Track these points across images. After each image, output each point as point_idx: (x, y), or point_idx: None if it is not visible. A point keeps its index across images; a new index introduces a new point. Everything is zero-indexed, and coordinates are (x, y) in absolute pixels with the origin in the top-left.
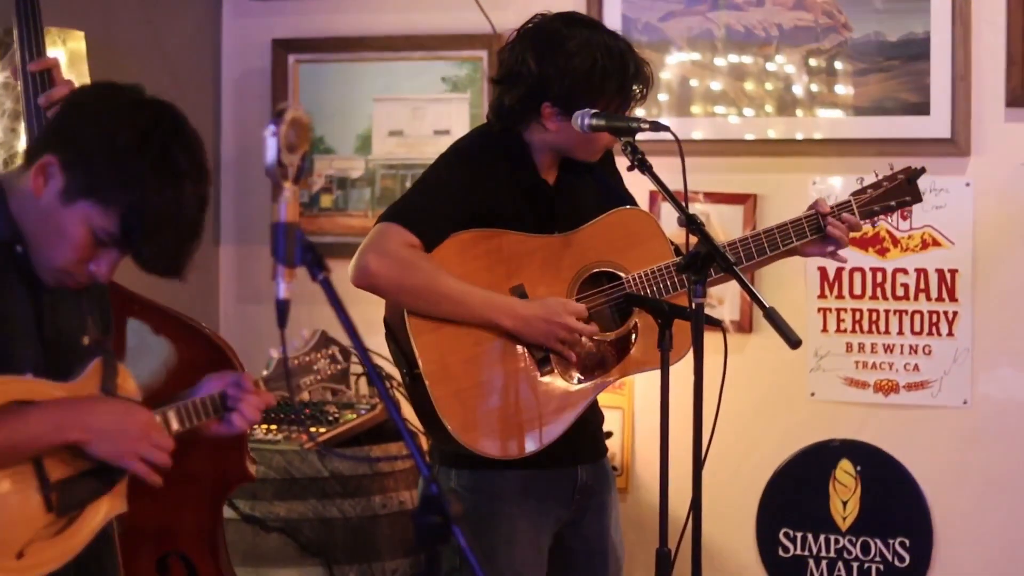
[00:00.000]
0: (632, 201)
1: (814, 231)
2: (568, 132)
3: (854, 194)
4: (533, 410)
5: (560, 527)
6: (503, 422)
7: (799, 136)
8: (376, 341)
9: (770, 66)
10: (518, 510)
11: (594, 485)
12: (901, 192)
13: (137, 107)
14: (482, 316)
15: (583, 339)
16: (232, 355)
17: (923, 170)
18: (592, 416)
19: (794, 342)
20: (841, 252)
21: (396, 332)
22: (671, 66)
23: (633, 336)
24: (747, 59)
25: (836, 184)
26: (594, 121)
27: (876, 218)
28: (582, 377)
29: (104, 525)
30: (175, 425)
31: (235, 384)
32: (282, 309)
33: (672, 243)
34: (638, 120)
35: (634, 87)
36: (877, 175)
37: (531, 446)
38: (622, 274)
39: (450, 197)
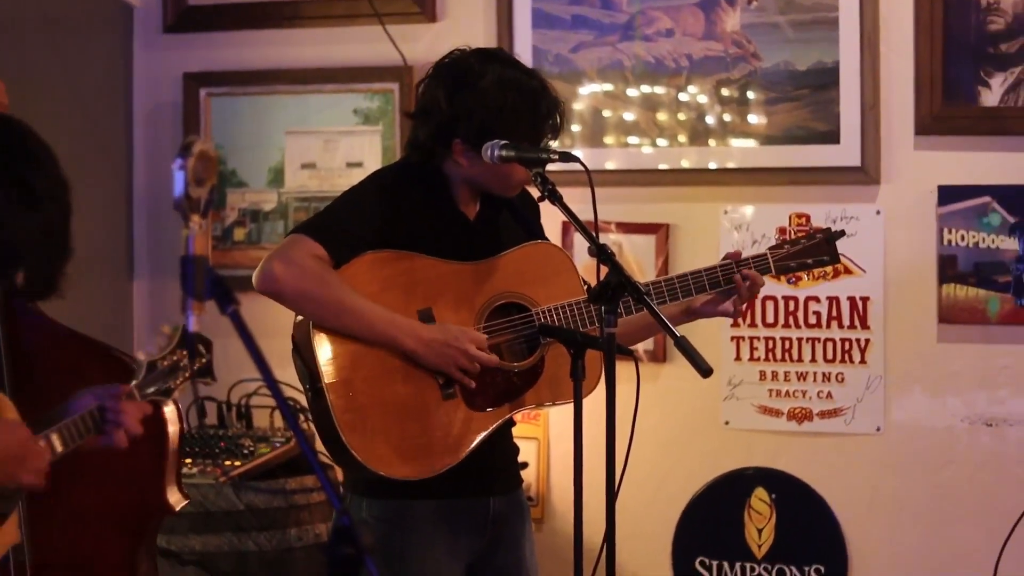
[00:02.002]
0: (545, 239)
1: (728, 281)
2: (480, 167)
3: (771, 248)
4: (432, 433)
5: (473, 559)
6: (400, 442)
7: (712, 165)
8: (289, 373)
9: (682, 96)
10: (430, 540)
11: (508, 516)
12: (819, 251)
13: None
14: (384, 334)
15: (488, 368)
16: None
17: (842, 232)
18: (505, 447)
19: (705, 371)
20: (742, 308)
21: (301, 347)
22: (583, 97)
23: (541, 369)
24: (659, 89)
25: (748, 212)
26: (503, 152)
27: (791, 275)
28: (485, 405)
29: None
30: (59, 447)
31: (109, 396)
32: (191, 342)
33: (584, 281)
34: (548, 151)
35: (546, 126)
36: (795, 233)
37: (427, 470)
38: (531, 307)
39: (363, 217)
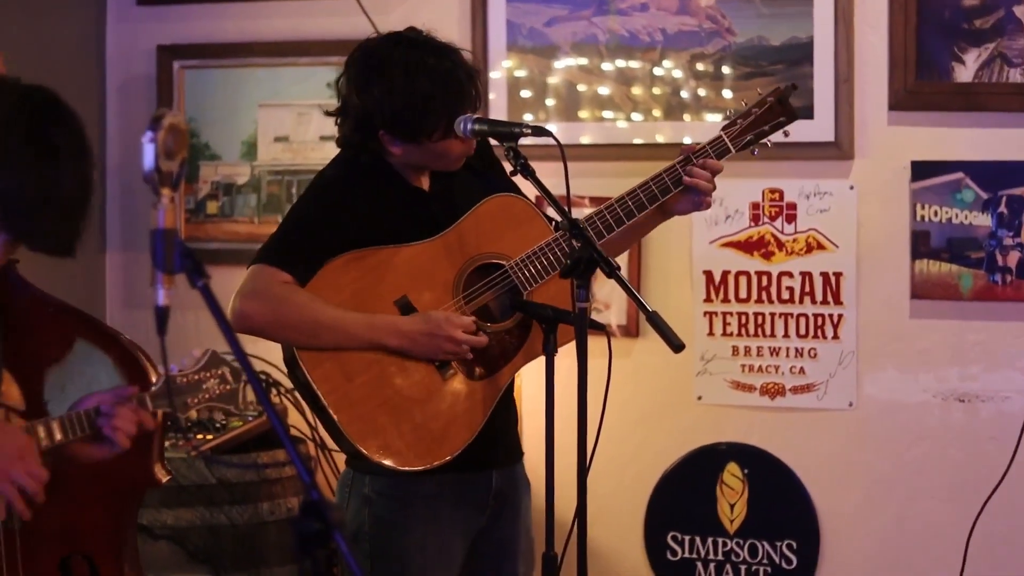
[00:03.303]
0: (514, 188)
1: (676, 183)
2: (411, 153)
3: (724, 128)
4: (445, 415)
5: (475, 533)
6: (417, 434)
7: (687, 140)
8: (262, 347)
9: (657, 71)
10: (433, 515)
11: (508, 491)
12: (773, 115)
13: (6, 90)
14: (366, 340)
15: (477, 343)
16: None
17: (793, 87)
18: (507, 417)
19: (677, 346)
20: (710, 199)
21: (294, 369)
22: (558, 71)
23: (529, 320)
24: (634, 64)
25: (721, 187)
26: (476, 127)
27: (754, 148)
28: (486, 371)
29: None
30: (58, 436)
31: (114, 398)
32: (161, 316)
33: (549, 219)
34: (520, 125)
35: (464, 104)
36: (745, 104)
37: (452, 449)
38: (504, 262)
39: (316, 228)
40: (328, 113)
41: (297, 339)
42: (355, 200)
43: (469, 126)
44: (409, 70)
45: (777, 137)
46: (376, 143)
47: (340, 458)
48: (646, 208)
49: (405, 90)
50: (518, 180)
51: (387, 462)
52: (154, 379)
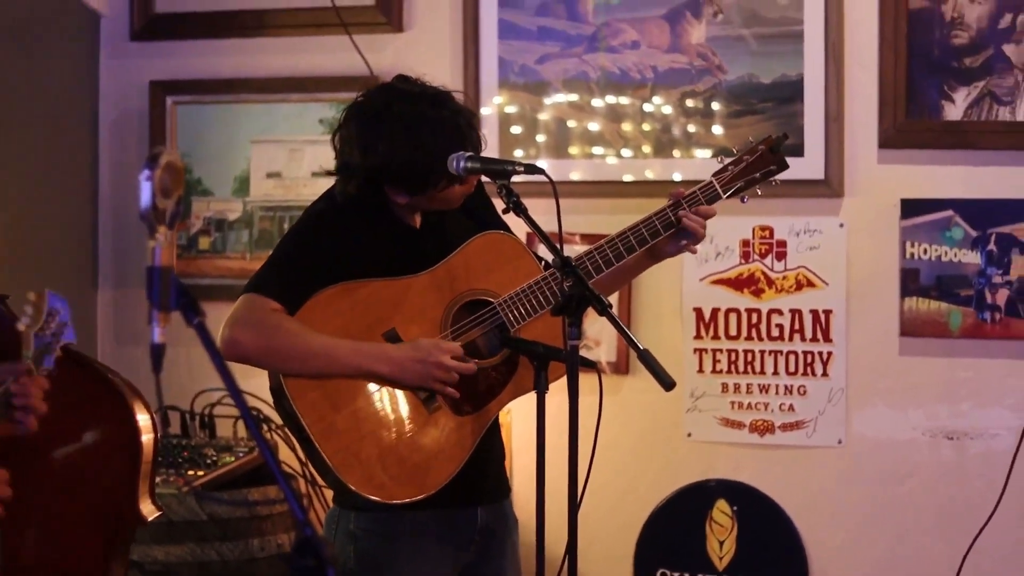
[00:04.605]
0: (503, 226)
1: (667, 227)
2: (417, 201)
3: (715, 174)
4: (430, 448)
5: (461, 570)
6: (401, 467)
7: (676, 176)
8: (254, 383)
9: (647, 107)
10: (418, 552)
11: (495, 527)
12: (764, 163)
13: None
14: (356, 367)
15: (466, 370)
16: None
17: (785, 136)
18: (493, 453)
19: (668, 384)
20: (697, 246)
21: (280, 399)
22: (549, 107)
23: (517, 357)
24: (624, 100)
25: (711, 224)
26: (469, 164)
27: (744, 195)
28: (471, 407)
29: None
30: None
31: (12, 376)
32: (157, 354)
33: (539, 257)
34: (513, 163)
35: (465, 149)
36: (736, 151)
37: (436, 482)
38: (492, 299)
39: (307, 259)
40: (330, 173)
41: (287, 366)
42: (345, 233)
43: (462, 164)
44: (410, 125)
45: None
46: (382, 196)
47: (331, 494)
48: (636, 251)
49: (409, 146)
50: (510, 217)
51: (370, 494)
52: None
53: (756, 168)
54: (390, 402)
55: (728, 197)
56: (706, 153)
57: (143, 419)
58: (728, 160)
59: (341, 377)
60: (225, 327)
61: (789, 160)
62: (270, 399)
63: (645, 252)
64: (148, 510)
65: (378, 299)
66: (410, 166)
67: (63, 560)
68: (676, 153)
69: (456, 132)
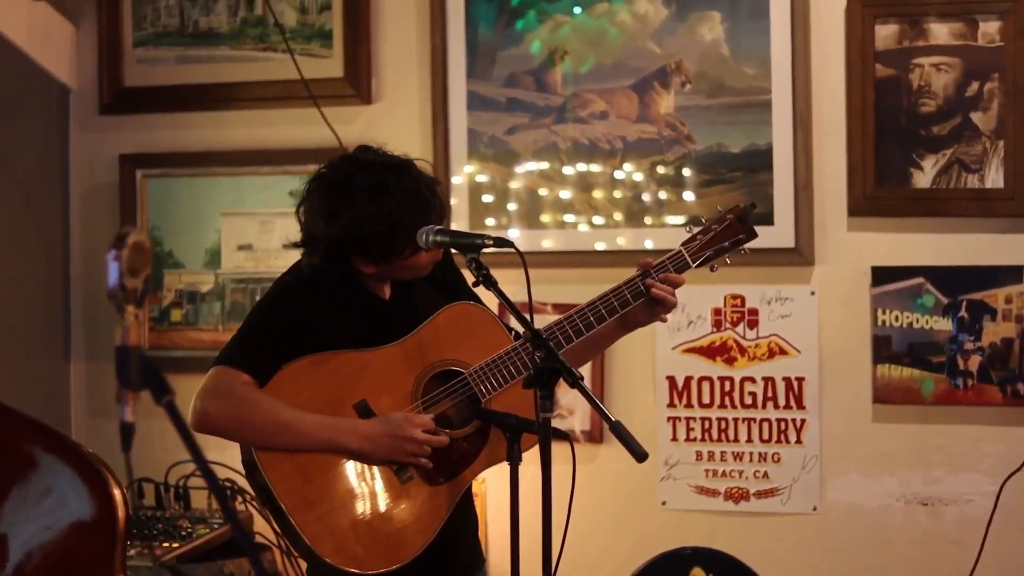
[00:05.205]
0: (472, 296)
1: (636, 297)
2: (384, 270)
3: (684, 243)
4: (403, 519)
5: None
6: (374, 537)
7: (648, 244)
8: (229, 454)
9: (618, 175)
10: None
11: None
12: (733, 232)
13: None
14: (326, 441)
15: (438, 443)
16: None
17: (753, 205)
18: (466, 523)
19: (640, 456)
20: (668, 315)
21: (252, 471)
22: (519, 176)
23: (488, 427)
24: (595, 168)
25: (682, 293)
26: (439, 238)
27: (714, 264)
28: (443, 477)
29: None
30: None
31: None
32: (127, 433)
33: (509, 328)
34: (482, 236)
35: (429, 218)
36: (704, 220)
37: (407, 554)
38: (463, 369)
39: (276, 331)
40: (294, 245)
41: (258, 439)
42: (314, 305)
43: (431, 238)
44: (373, 195)
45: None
46: (349, 267)
47: (307, 567)
48: (605, 320)
49: (372, 215)
50: (480, 290)
51: (343, 565)
52: (117, 494)
53: (725, 237)
54: (362, 473)
55: (697, 266)
56: (678, 220)
57: (119, 494)
58: (697, 229)
59: (313, 451)
60: (196, 399)
61: (759, 229)
62: (242, 470)
63: (617, 322)
64: None
65: (348, 371)
66: (374, 235)
67: None
68: (647, 220)
69: (419, 200)
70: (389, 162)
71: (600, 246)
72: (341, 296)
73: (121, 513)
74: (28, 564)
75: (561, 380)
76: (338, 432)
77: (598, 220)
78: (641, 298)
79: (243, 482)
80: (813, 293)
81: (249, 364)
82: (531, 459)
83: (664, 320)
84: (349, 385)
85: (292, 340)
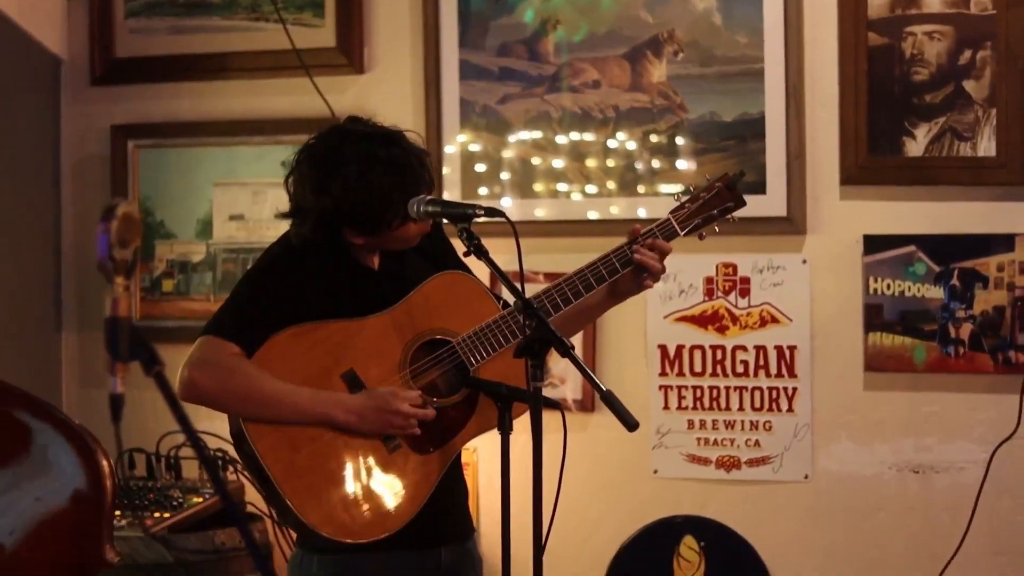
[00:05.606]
0: (461, 265)
1: (624, 264)
2: (373, 241)
3: (673, 211)
4: (391, 488)
5: None
6: (361, 506)
7: (641, 212)
8: (219, 424)
9: (611, 143)
10: None
11: (458, 568)
12: (722, 200)
13: None
14: (314, 413)
15: (425, 416)
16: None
17: (742, 174)
18: (456, 492)
19: (631, 425)
20: (658, 283)
21: (240, 442)
22: (512, 145)
23: (477, 395)
24: (588, 137)
25: (674, 262)
26: (430, 208)
27: (702, 232)
28: (432, 446)
29: None
30: None
31: None
32: (116, 404)
33: (497, 296)
34: (474, 206)
35: (419, 188)
36: (692, 188)
37: (396, 523)
38: (451, 338)
39: (265, 302)
40: (283, 215)
41: (245, 409)
42: (302, 275)
43: (422, 208)
44: (362, 165)
45: (741, 211)
46: (338, 238)
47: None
48: (593, 288)
49: (362, 186)
50: (471, 260)
51: (331, 534)
52: (104, 465)
53: (713, 205)
54: (350, 442)
55: (686, 234)
56: (671, 189)
57: (106, 465)
58: (685, 198)
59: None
60: (184, 369)
61: (751, 198)
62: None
63: (606, 290)
64: (111, 556)
65: (336, 340)
66: (363, 206)
67: None
68: (640, 188)
69: (408, 171)
70: (378, 133)
71: (593, 215)
72: (330, 266)
73: (109, 484)
74: (17, 535)
75: (552, 349)
76: (325, 405)
77: (591, 189)
78: (629, 266)
79: (235, 452)
80: (805, 262)
81: (237, 334)
82: (522, 428)
83: (650, 287)
84: (337, 355)
85: (280, 310)
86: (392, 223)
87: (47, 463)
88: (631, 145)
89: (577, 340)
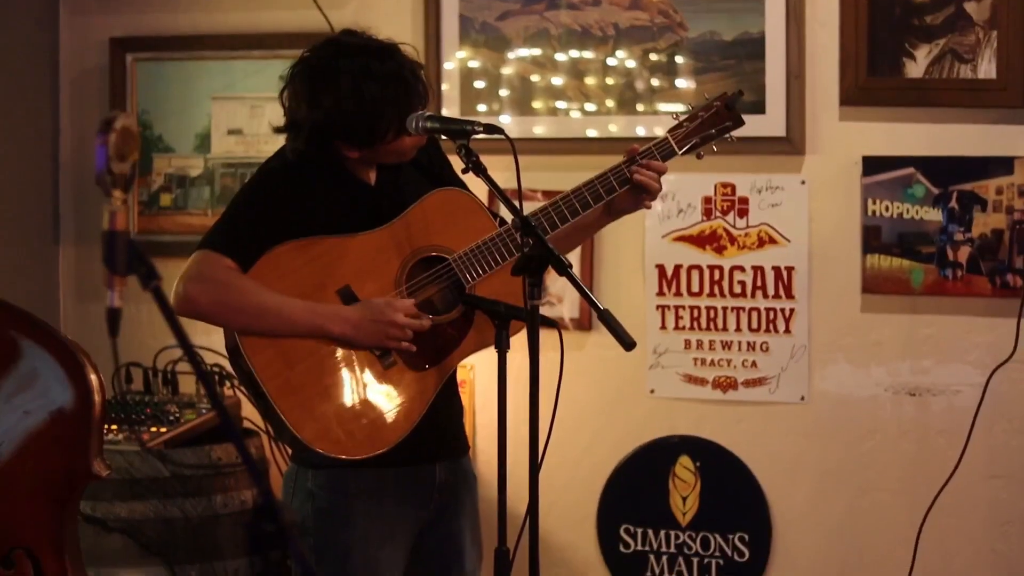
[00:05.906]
0: (459, 182)
1: (622, 183)
2: (367, 155)
3: (671, 131)
4: (386, 404)
5: (420, 526)
6: (356, 423)
7: (640, 131)
8: (216, 339)
9: (610, 61)
10: (374, 508)
11: (454, 484)
12: (720, 119)
13: None
14: (309, 326)
15: (420, 327)
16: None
17: (741, 93)
18: (451, 410)
19: (628, 344)
20: (654, 202)
21: (236, 357)
22: (511, 62)
23: (473, 312)
24: (587, 55)
25: (672, 181)
26: (428, 124)
27: (700, 151)
28: (427, 363)
29: None
30: None
31: None
32: (113, 317)
33: (495, 215)
34: (472, 123)
35: (414, 103)
36: (691, 107)
37: (390, 439)
38: (447, 255)
39: (260, 215)
40: (277, 130)
41: (240, 323)
42: (300, 190)
43: (421, 123)
44: (356, 78)
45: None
46: (332, 151)
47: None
48: (591, 206)
49: (355, 99)
50: (469, 177)
51: (326, 450)
52: (94, 380)
53: (712, 124)
54: (346, 358)
55: (684, 153)
56: (670, 107)
57: (95, 379)
58: (683, 116)
59: (296, 336)
60: (179, 283)
61: (750, 118)
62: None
63: (603, 208)
64: (100, 469)
65: (332, 255)
66: (357, 119)
67: (17, 516)
68: (639, 107)
69: (401, 83)
70: (372, 46)
71: (592, 133)
72: (326, 181)
73: (98, 399)
74: (5, 447)
75: (550, 267)
76: (320, 317)
77: (590, 107)
78: (626, 184)
79: (231, 368)
80: (804, 182)
81: (232, 248)
82: (518, 347)
83: (648, 207)
84: (333, 270)
85: (276, 225)
86: (386, 136)
87: (35, 377)
88: (630, 63)
89: (575, 259)
